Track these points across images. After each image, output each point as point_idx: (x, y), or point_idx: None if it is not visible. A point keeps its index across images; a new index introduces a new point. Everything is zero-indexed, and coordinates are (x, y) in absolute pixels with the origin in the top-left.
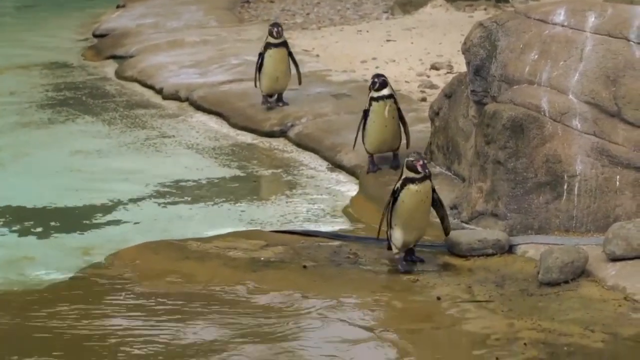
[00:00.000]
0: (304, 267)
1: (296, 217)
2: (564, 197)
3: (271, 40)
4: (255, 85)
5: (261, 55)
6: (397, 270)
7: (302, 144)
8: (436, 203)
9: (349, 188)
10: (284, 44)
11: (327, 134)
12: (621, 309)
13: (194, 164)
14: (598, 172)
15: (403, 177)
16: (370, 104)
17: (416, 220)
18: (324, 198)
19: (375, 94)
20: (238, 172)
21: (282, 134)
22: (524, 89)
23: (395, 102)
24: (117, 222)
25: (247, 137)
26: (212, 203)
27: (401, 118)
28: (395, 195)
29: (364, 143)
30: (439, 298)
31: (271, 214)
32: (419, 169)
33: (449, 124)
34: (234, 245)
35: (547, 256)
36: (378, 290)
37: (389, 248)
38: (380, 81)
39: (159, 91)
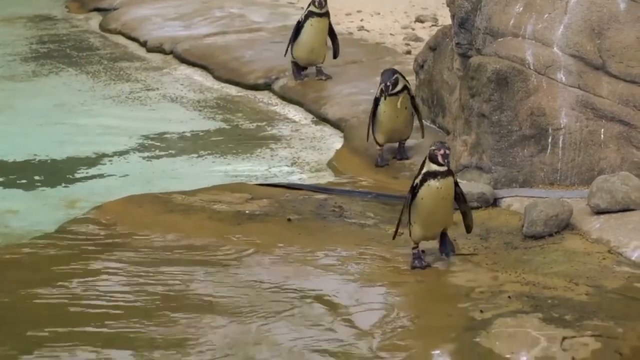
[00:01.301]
0: (289, 220)
1: (281, 171)
2: (549, 150)
3: (314, 9)
4: (285, 55)
5: (299, 24)
6: (413, 266)
7: (286, 97)
8: (459, 197)
9: (334, 141)
10: (327, 15)
11: (311, 87)
12: (605, 262)
13: (178, 117)
14: (582, 125)
15: (424, 170)
16: (382, 97)
17: (437, 216)
18: (309, 151)
19: (390, 91)
20: (222, 125)
21: (267, 86)
22: (509, 42)
23: (409, 92)
24: (101, 175)
25: (231, 90)
26: (196, 156)
27: (415, 107)
28: (414, 191)
29: (374, 133)
30: (423, 251)
31: (256, 167)
32: (440, 159)
33: (434, 77)
34: (218, 199)
35: (531, 209)
36: (363, 243)
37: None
38: (392, 82)
39: (143, 44)
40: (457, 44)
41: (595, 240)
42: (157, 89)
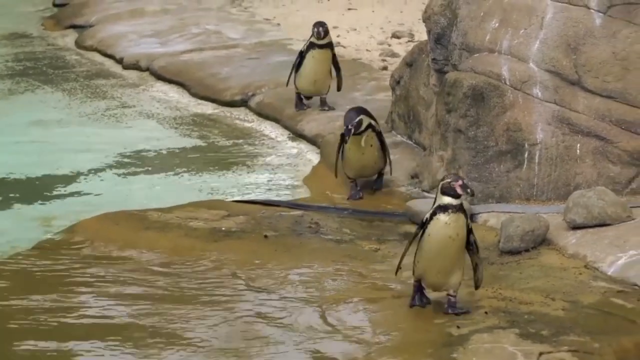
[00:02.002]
0: (265, 236)
1: (257, 187)
2: (525, 165)
3: (314, 40)
4: (287, 84)
5: (301, 54)
6: (413, 304)
7: (263, 114)
8: (471, 246)
9: (310, 157)
10: (329, 45)
11: (288, 104)
12: (582, 277)
13: (155, 134)
14: (559, 141)
15: (435, 204)
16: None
17: (442, 260)
18: (285, 168)
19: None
20: (199, 142)
21: (243, 103)
22: (485, 57)
23: (374, 130)
24: (77, 193)
25: (207, 107)
26: (172, 173)
27: (382, 143)
28: (423, 227)
29: (344, 168)
30: (400, 267)
31: (232, 183)
32: (459, 190)
33: (410, 92)
34: (195, 216)
35: (508, 224)
36: (339, 260)
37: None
38: (355, 125)
39: (119, 61)
40: (433, 59)
41: (571, 255)
42: (134, 106)
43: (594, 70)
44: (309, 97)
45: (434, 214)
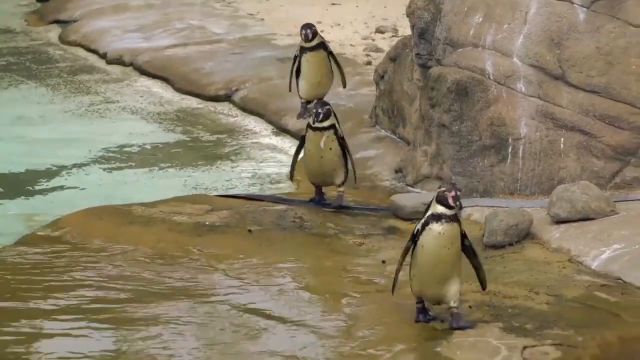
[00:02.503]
0: (249, 231)
1: (241, 182)
2: (509, 160)
3: (303, 44)
4: (290, 89)
5: (296, 59)
6: (418, 320)
7: (247, 108)
8: (468, 251)
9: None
10: (321, 46)
11: (272, 98)
12: (565, 270)
13: (139, 129)
14: (542, 135)
15: (428, 213)
16: (306, 131)
17: (438, 270)
18: (269, 162)
19: (315, 124)
20: (183, 137)
21: (227, 98)
22: (469, 52)
23: (336, 133)
24: (61, 188)
25: (191, 102)
26: (156, 168)
27: (344, 148)
28: (415, 238)
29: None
30: (384, 261)
31: (216, 178)
32: (450, 201)
33: (394, 87)
34: (179, 210)
35: (491, 219)
36: (323, 254)
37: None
38: (324, 112)
39: (103, 56)
40: (417, 54)
41: (555, 249)
42: (117, 101)
43: (578, 65)
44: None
45: (426, 223)
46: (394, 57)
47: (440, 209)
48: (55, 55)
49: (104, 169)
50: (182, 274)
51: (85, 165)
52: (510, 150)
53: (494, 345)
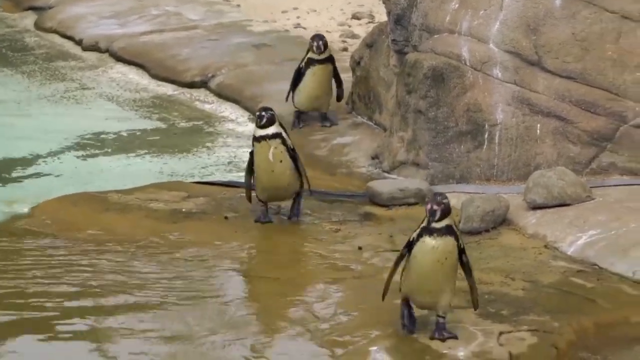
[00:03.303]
0: (226, 218)
1: (217, 169)
2: (485, 145)
3: (313, 55)
4: (286, 100)
5: (300, 71)
6: (403, 323)
7: (223, 95)
8: (464, 267)
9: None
10: (330, 60)
11: (248, 85)
12: (541, 256)
13: (115, 116)
14: (519, 121)
15: (423, 224)
16: (252, 144)
17: (429, 284)
18: (246, 149)
19: (258, 132)
20: (159, 124)
21: (203, 84)
22: (445, 38)
23: (284, 143)
24: (37, 175)
25: (167, 89)
26: (133, 155)
27: (294, 159)
28: (410, 247)
29: (256, 189)
30: (360, 248)
31: (192, 165)
32: (427, 213)
33: (370, 73)
34: (155, 197)
35: (468, 205)
36: (299, 241)
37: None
38: (267, 116)
39: (79, 42)
40: (393, 40)
41: (531, 235)
42: (93, 88)
43: (554, 51)
44: (305, 113)
45: (420, 235)
46: (370, 44)
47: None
48: (31, 42)
49: (80, 156)
50: (157, 261)
51: (60, 152)
52: (486, 136)
53: (470, 331)
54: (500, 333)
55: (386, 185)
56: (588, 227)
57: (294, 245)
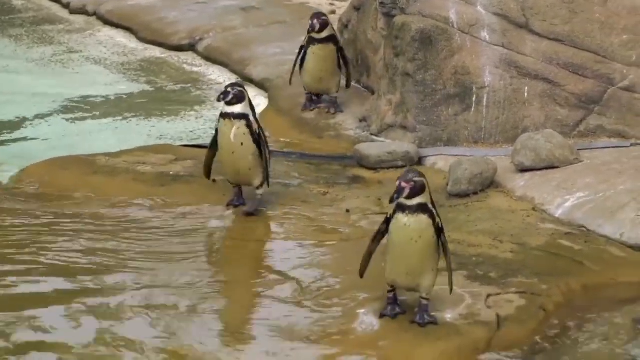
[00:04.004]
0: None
1: (205, 132)
2: (473, 108)
3: (313, 35)
4: (290, 83)
5: (303, 49)
6: (384, 314)
7: (210, 58)
8: (441, 249)
9: (259, 102)
10: (331, 39)
11: (236, 48)
12: (529, 219)
13: (102, 80)
14: (507, 84)
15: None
16: (218, 120)
17: (406, 262)
18: None
19: (225, 108)
20: (147, 87)
21: (191, 47)
22: (433, 1)
23: (249, 126)
24: (24, 139)
25: (155, 52)
26: (120, 118)
27: (258, 145)
28: (387, 223)
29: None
30: (348, 210)
31: (181, 129)
32: (395, 189)
33: (358, 36)
34: (143, 160)
35: (456, 167)
36: (288, 204)
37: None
38: (234, 92)
39: (66, 5)
40: (381, 3)
41: (519, 197)
42: (81, 51)
43: (542, 14)
44: (319, 95)
45: (394, 211)
46: (358, 6)
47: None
48: (18, 5)
49: (68, 120)
50: (145, 223)
51: (48, 115)
52: (474, 99)
53: (458, 294)
54: (488, 295)
55: (374, 148)
56: (576, 189)
57: (282, 208)
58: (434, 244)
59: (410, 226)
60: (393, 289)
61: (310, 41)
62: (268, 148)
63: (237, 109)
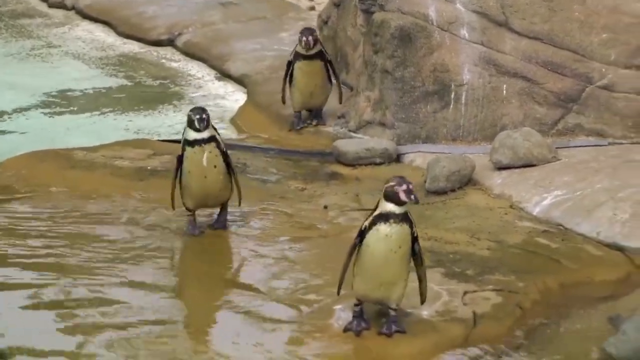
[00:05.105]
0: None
1: (184, 127)
2: (452, 106)
3: (300, 49)
4: (283, 101)
5: (290, 65)
6: (348, 328)
7: (189, 53)
8: (416, 256)
9: (237, 97)
10: (319, 55)
11: (215, 43)
12: (507, 217)
13: (81, 74)
14: (485, 82)
15: (377, 212)
16: (182, 149)
17: (382, 274)
18: (212, 107)
19: (193, 135)
20: (125, 82)
21: (170, 42)
22: None
23: (219, 147)
24: (2, 132)
25: (134, 46)
26: (98, 113)
27: (228, 165)
28: (361, 236)
29: (182, 196)
30: (326, 207)
31: (159, 123)
32: (402, 196)
33: (338, 33)
34: (120, 155)
35: (434, 165)
36: (266, 199)
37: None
38: (206, 118)
39: None
40: (361, 0)
41: (497, 195)
42: (59, 45)
43: (521, 12)
44: (310, 110)
45: (373, 223)
46: (337, 3)
47: (389, 207)
48: None
49: (46, 114)
50: (122, 217)
51: (27, 109)
52: (453, 96)
53: (435, 291)
54: (465, 292)
55: (352, 145)
56: (553, 187)
57: (260, 204)
58: (409, 253)
59: (392, 237)
60: (360, 302)
61: (296, 57)
62: (232, 166)
63: (206, 133)
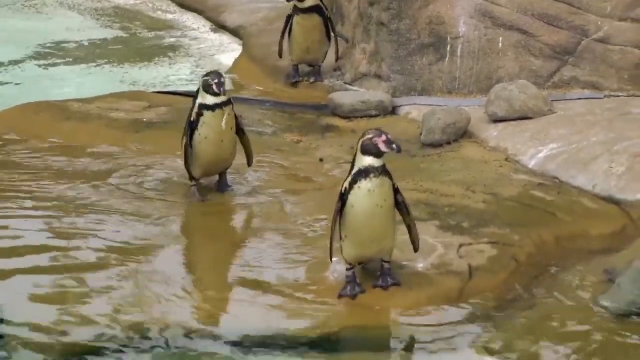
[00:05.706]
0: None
1: (179, 79)
2: (447, 58)
3: (297, 3)
4: (280, 55)
5: (289, 19)
6: (342, 294)
7: (185, 4)
8: (401, 207)
9: (233, 49)
10: (316, 10)
11: None
12: (502, 169)
13: (76, 26)
14: (481, 34)
15: (355, 170)
16: (199, 114)
17: (372, 231)
18: (207, 60)
19: (212, 100)
20: (121, 34)
21: None
22: None
23: (233, 108)
24: None
25: None
26: (94, 65)
27: (239, 128)
28: (343, 197)
29: (190, 165)
30: (321, 159)
31: (154, 75)
32: (382, 147)
33: None
34: (116, 107)
35: (429, 117)
36: (261, 152)
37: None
38: (219, 82)
39: None
40: None
41: (492, 148)
42: None
43: None
44: (312, 66)
45: (354, 181)
46: None
47: (367, 161)
48: None
49: (41, 65)
50: (117, 168)
51: (21, 61)
52: (448, 49)
53: (430, 244)
54: (460, 245)
55: (348, 97)
56: (549, 140)
57: (255, 156)
58: (393, 205)
59: (375, 191)
60: (352, 267)
61: (295, 11)
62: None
63: (224, 97)
